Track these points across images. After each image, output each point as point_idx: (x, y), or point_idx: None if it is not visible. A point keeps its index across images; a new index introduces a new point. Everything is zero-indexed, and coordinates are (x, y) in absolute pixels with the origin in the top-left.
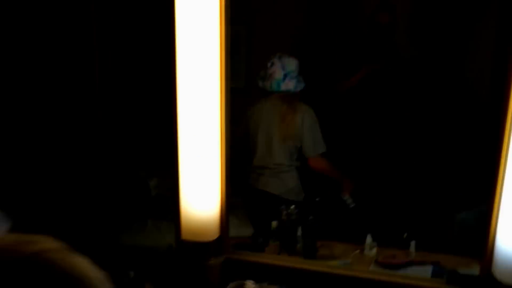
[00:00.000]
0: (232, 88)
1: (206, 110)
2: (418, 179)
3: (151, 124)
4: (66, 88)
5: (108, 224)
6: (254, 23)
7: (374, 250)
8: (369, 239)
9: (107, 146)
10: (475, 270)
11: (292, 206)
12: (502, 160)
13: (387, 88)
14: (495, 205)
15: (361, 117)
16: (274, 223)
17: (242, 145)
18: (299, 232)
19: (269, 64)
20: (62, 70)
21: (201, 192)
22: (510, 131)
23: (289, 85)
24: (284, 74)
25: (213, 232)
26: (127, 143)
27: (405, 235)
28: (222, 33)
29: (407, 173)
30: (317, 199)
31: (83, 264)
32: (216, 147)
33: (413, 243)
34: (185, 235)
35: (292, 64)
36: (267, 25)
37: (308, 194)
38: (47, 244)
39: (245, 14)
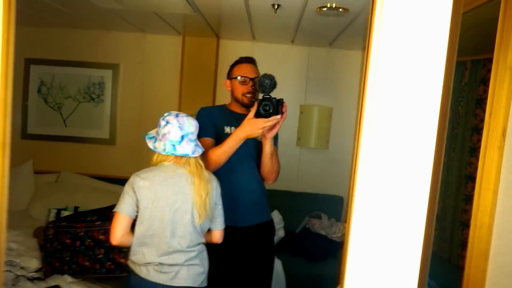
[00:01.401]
0: (96, 139)
1: None
2: None
3: None
4: None
5: None
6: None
7: None
8: None
9: None
10: None
11: None
12: None
13: None
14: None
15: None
16: None
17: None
18: None
19: (162, 123)
20: None
21: None
22: None
23: (186, 148)
24: (181, 135)
25: None
26: None
27: None
28: None
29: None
30: None
31: None
32: None
33: None
34: None
35: (191, 124)
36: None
37: None
38: None
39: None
